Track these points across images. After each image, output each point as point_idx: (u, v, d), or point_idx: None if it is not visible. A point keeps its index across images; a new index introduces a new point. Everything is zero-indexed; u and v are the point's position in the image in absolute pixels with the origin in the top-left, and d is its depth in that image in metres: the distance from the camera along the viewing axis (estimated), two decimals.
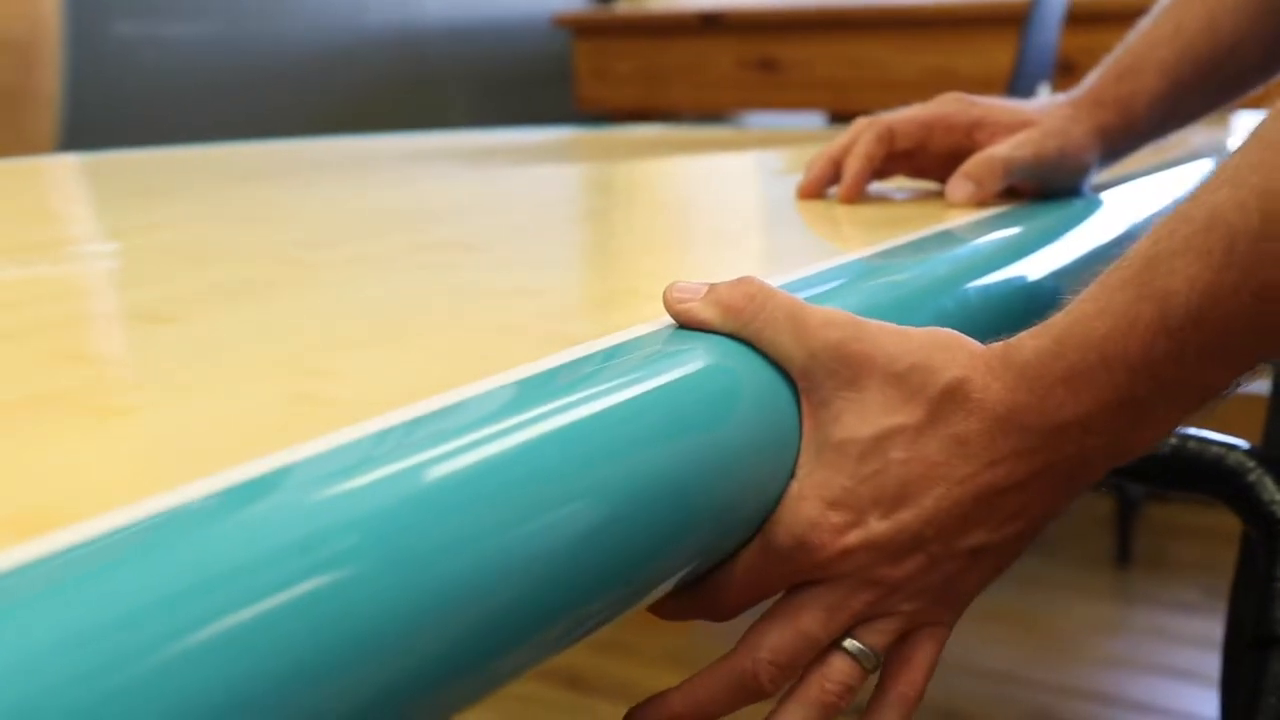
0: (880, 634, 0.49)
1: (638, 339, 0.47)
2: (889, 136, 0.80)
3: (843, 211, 0.79)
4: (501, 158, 1.25)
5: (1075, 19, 1.52)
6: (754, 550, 0.48)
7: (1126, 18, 1.85)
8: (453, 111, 2.13)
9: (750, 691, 0.49)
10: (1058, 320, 0.47)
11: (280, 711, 0.29)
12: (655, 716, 0.50)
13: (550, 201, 0.95)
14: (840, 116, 2.08)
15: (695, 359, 0.46)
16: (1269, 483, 0.70)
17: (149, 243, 0.69)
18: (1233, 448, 0.71)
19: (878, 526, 0.47)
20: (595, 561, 0.39)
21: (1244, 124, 2.63)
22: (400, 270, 0.61)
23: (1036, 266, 0.67)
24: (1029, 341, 0.47)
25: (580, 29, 2.27)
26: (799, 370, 0.47)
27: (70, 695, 0.25)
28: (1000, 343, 0.48)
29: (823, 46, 1.99)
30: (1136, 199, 0.87)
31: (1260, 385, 0.80)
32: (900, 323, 0.49)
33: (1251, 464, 0.71)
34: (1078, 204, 0.80)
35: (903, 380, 0.47)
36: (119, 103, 1.77)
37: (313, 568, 0.30)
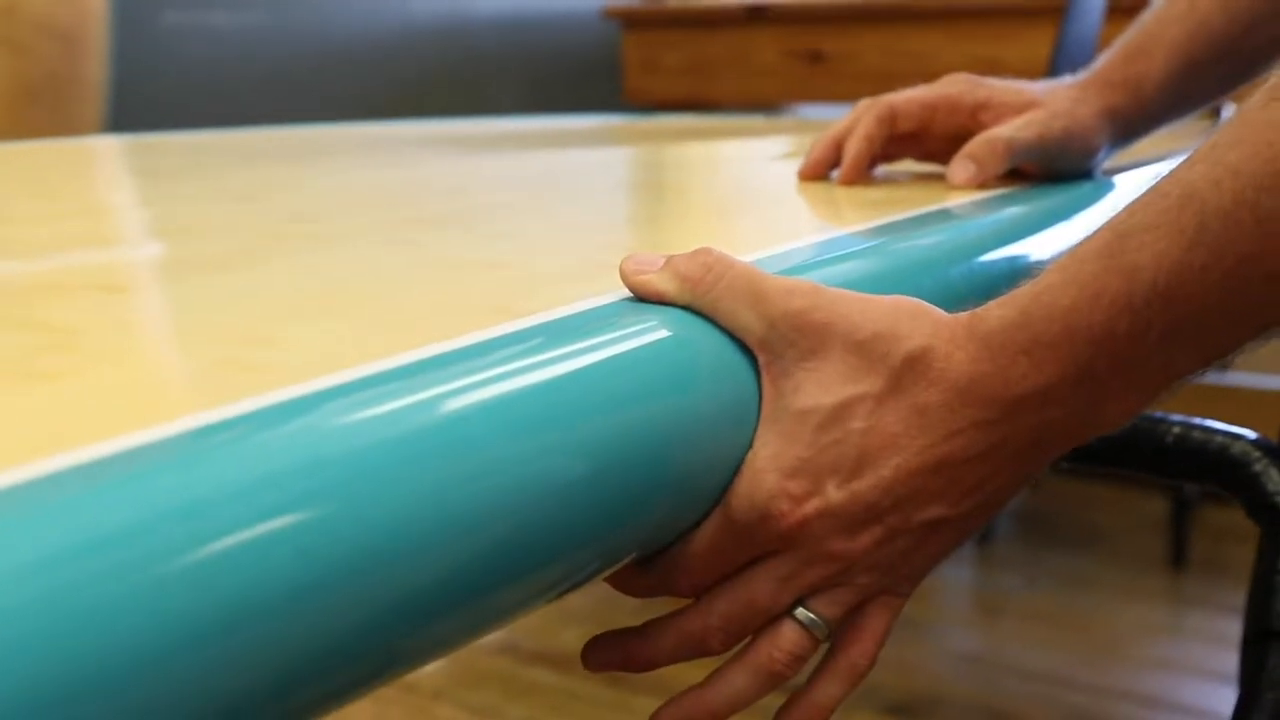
0: (833, 605, 0.48)
1: (592, 310, 0.46)
2: (891, 118, 0.78)
3: (842, 193, 0.77)
4: (524, 142, 1.25)
5: (1116, 9, 1.49)
6: (714, 522, 0.47)
7: None
8: (500, 103, 2.13)
9: (699, 652, 0.49)
10: (1025, 290, 0.46)
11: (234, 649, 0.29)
12: (608, 657, 0.51)
13: (551, 182, 0.94)
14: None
15: (651, 331, 0.45)
16: (1274, 473, 0.68)
17: (131, 218, 0.69)
18: (1238, 437, 0.69)
19: (835, 495, 0.46)
20: (544, 531, 0.39)
21: None
22: (369, 245, 0.60)
23: (1033, 248, 0.66)
24: (995, 310, 0.46)
25: (630, 21, 2.26)
26: (758, 341, 0.46)
27: (25, 621, 0.26)
28: (967, 312, 0.47)
29: (868, 37, 1.97)
30: (1144, 186, 0.85)
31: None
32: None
33: (1257, 454, 0.69)
34: (1085, 187, 0.78)
35: (864, 349, 0.46)
36: (167, 91, 1.79)
37: (258, 515, 0.30)
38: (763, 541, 0.47)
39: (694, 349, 0.46)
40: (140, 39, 1.75)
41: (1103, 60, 0.79)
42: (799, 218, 0.77)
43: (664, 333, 0.45)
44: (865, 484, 0.46)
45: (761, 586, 0.48)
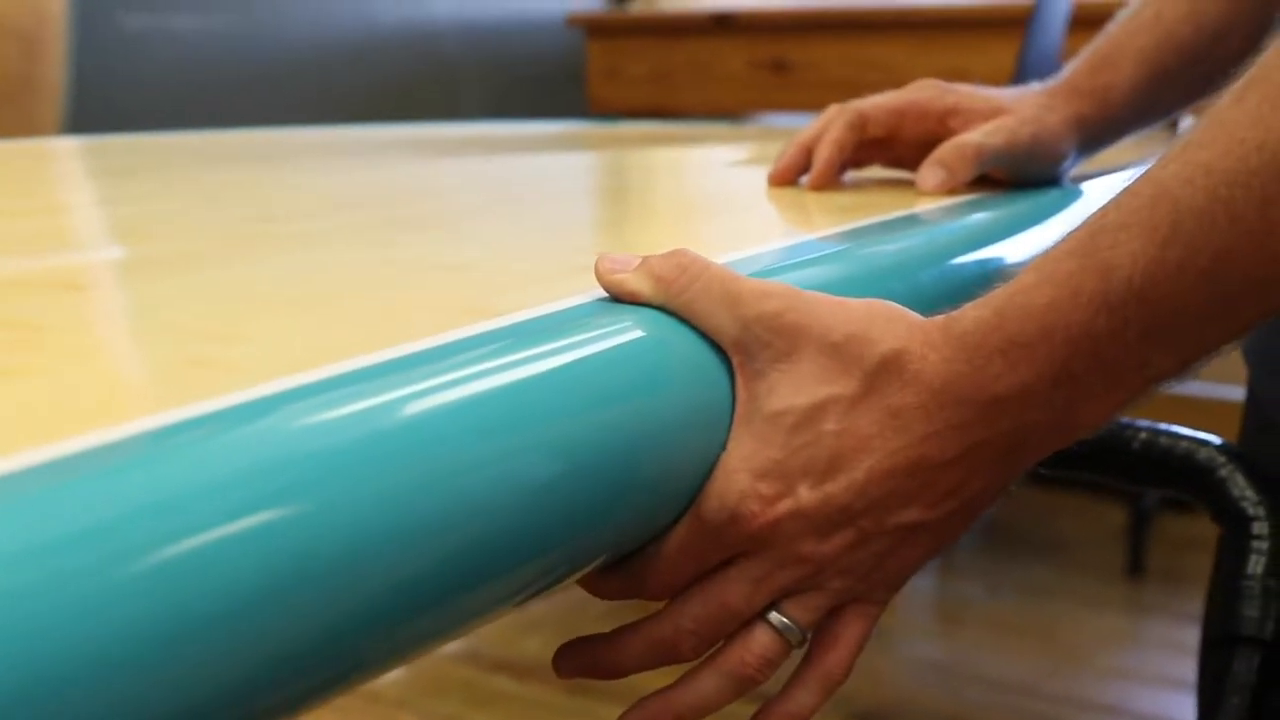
0: (807, 610, 0.48)
1: (562, 311, 0.46)
2: (861, 123, 0.78)
3: (812, 198, 0.77)
4: (491, 146, 1.25)
5: (1079, 20, 1.50)
6: (686, 524, 0.46)
7: None
8: (464, 110, 2.13)
9: (670, 658, 0.49)
10: (1000, 291, 0.46)
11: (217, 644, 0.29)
12: (578, 663, 0.51)
13: (520, 185, 0.94)
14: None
15: (624, 331, 0.45)
16: (1239, 478, 0.68)
17: (93, 216, 0.68)
18: (1204, 443, 0.70)
19: (807, 496, 0.45)
20: (514, 533, 0.38)
21: None
22: (338, 246, 0.60)
23: (1002, 253, 0.66)
24: (970, 312, 0.46)
25: (594, 29, 2.26)
26: (732, 342, 0.46)
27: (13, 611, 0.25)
28: (943, 315, 0.46)
29: (833, 47, 1.98)
30: (1116, 190, 0.86)
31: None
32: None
33: (1222, 459, 0.69)
34: (1053, 193, 0.78)
35: (838, 351, 0.45)
36: (127, 95, 1.78)
37: (222, 516, 0.30)
38: (734, 542, 0.46)
39: (666, 350, 0.46)
40: (101, 42, 1.73)
41: (1070, 68, 0.79)
42: (769, 222, 0.77)
43: (636, 333, 0.45)
44: (837, 486, 0.45)
45: (733, 588, 0.47)
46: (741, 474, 0.45)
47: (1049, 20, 1.40)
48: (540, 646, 2.01)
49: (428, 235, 0.64)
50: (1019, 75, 1.39)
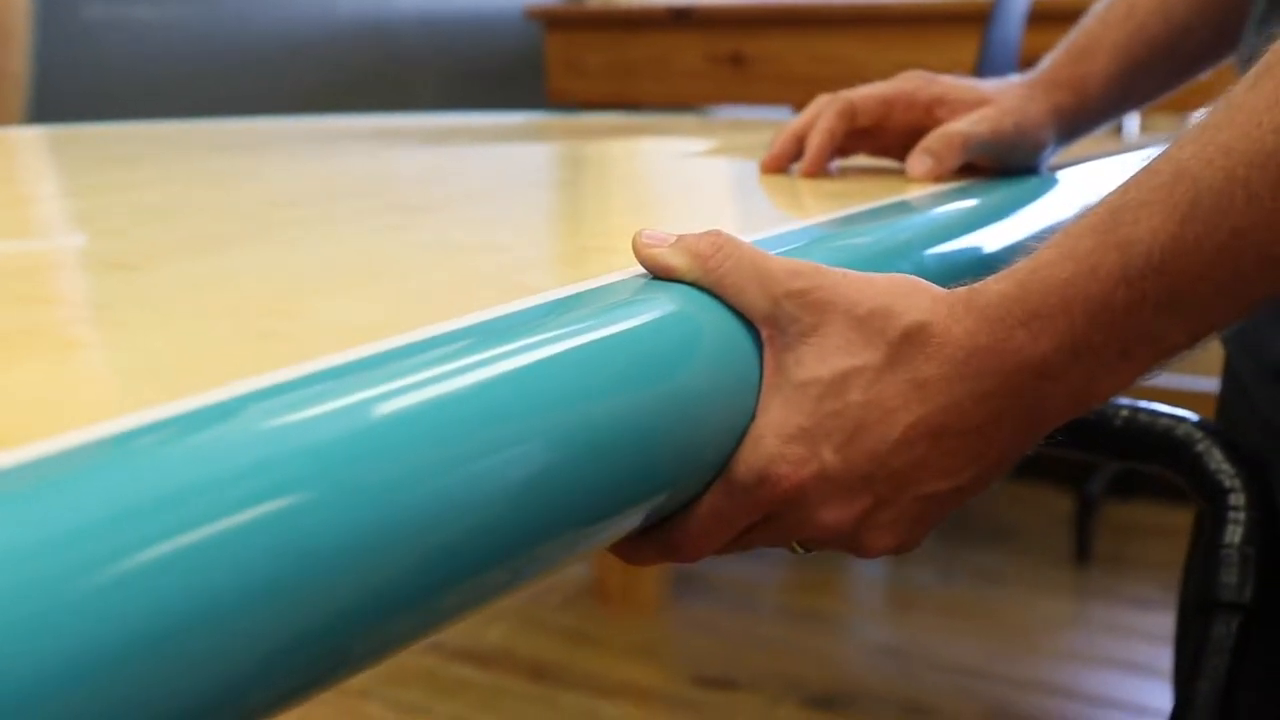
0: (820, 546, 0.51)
1: (600, 288, 0.48)
2: (850, 112, 0.81)
3: (804, 185, 0.80)
4: (465, 135, 1.26)
5: (1036, 17, 1.53)
6: (718, 490, 0.48)
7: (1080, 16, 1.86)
8: (423, 102, 2.14)
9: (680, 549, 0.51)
10: (1022, 265, 0.48)
11: (225, 631, 0.29)
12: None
13: (512, 171, 0.96)
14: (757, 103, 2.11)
15: (657, 307, 0.47)
16: (1216, 453, 0.71)
17: (115, 201, 0.69)
18: (1181, 420, 0.73)
19: (831, 460, 0.47)
20: (547, 501, 0.40)
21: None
22: (364, 229, 0.61)
23: (989, 238, 0.68)
24: (992, 285, 0.48)
25: (552, 21, 2.27)
26: (763, 317, 0.48)
27: (25, 602, 0.25)
28: (965, 287, 0.49)
29: (791, 42, 2.00)
30: (1093, 179, 0.89)
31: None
32: None
33: (1199, 435, 0.72)
34: (1033, 181, 0.81)
35: (863, 324, 0.48)
36: (89, 86, 1.77)
37: (264, 492, 0.30)
38: (763, 504, 0.48)
39: (696, 324, 0.48)
40: (63, 32, 1.73)
41: (1049, 61, 0.82)
42: (764, 208, 0.79)
43: (669, 308, 0.47)
44: (861, 452, 0.47)
45: (758, 539, 0.50)
46: (770, 439, 0.47)
47: (1008, 16, 1.43)
48: (501, 636, 2.02)
49: (435, 218, 0.66)
50: (979, 70, 1.42)
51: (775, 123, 1.83)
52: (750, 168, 0.86)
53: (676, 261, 0.49)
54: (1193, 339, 0.48)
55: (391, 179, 0.85)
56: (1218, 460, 0.71)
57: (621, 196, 0.84)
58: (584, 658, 1.97)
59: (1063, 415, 0.49)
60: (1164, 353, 0.48)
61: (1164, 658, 2.03)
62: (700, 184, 0.92)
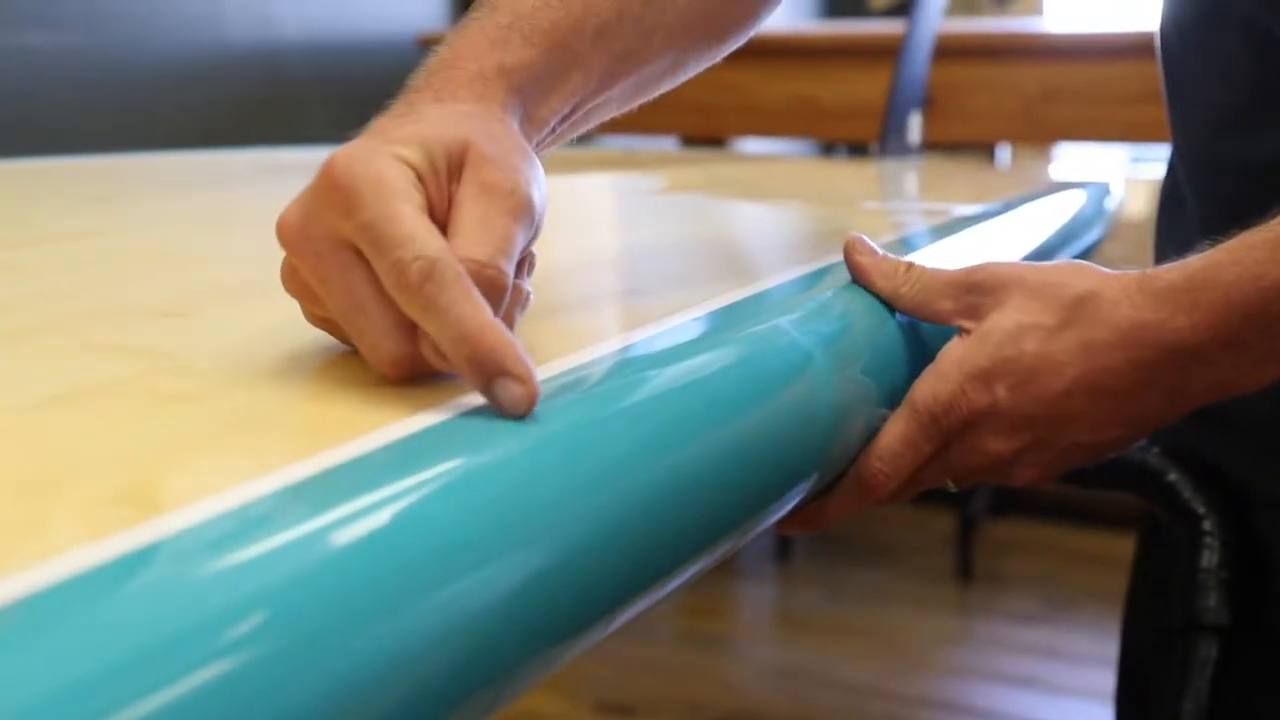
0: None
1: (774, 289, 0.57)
2: None
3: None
4: None
5: (940, 53, 1.58)
6: (903, 420, 0.56)
7: (985, 52, 1.92)
8: (314, 131, 2.11)
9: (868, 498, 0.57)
10: (1192, 261, 0.54)
11: None
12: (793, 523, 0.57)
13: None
14: (695, 140, 2.12)
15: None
16: (1185, 483, 0.75)
17: (113, 243, 0.68)
18: (1149, 449, 0.76)
19: (1004, 397, 0.54)
20: (774, 465, 0.48)
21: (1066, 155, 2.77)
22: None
23: None
24: (1164, 274, 0.54)
25: None
26: (955, 313, 0.56)
27: None
28: (1137, 271, 0.55)
29: None
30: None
31: None
32: None
33: (1168, 465, 0.76)
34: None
35: (1038, 293, 0.55)
36: None
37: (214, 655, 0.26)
38: (945, 429, 0.55)
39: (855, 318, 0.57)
40: None
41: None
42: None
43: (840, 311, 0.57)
44: (1029, 395, 0.54)
45: (928, 475, 0.57)
46: (954, 373, 0.55)
47: (916, 51, 1.48)
48: None
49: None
50: (892, 104, 1.46)
51: (667, 155, 1.85)
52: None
53: (876, 280, 0.58)
54: None
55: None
56: (1188, 489, 0.75)
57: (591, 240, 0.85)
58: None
59: (1204, 398, 0.55)
60: None
61: (1045, 670, 2.11)
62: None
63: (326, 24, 2.16)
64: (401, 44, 2.29)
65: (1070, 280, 0.55)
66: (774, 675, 2.16)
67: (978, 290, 0.56)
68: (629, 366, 0.45)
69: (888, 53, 1.51)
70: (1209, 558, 0.73)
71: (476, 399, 0.39)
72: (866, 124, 1.60)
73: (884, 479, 0.56)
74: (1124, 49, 1.89)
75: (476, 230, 0.41)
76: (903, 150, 1.47)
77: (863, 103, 1.78)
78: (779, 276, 0.61)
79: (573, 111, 0.55)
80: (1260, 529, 0.74)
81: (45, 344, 0.46)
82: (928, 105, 1.57)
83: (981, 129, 1.95)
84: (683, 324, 0.50)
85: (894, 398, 0.57)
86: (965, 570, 2.42)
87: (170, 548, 0.28)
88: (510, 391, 0.38)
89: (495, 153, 0.43)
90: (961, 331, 0.56)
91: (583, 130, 0.58)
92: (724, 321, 0.51)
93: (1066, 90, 1.87)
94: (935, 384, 0.55)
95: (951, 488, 0.59)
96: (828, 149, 2.44)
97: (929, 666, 2.16)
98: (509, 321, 0.43)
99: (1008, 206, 0.90)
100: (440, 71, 0.49)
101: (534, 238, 0.44)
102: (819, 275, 0.61)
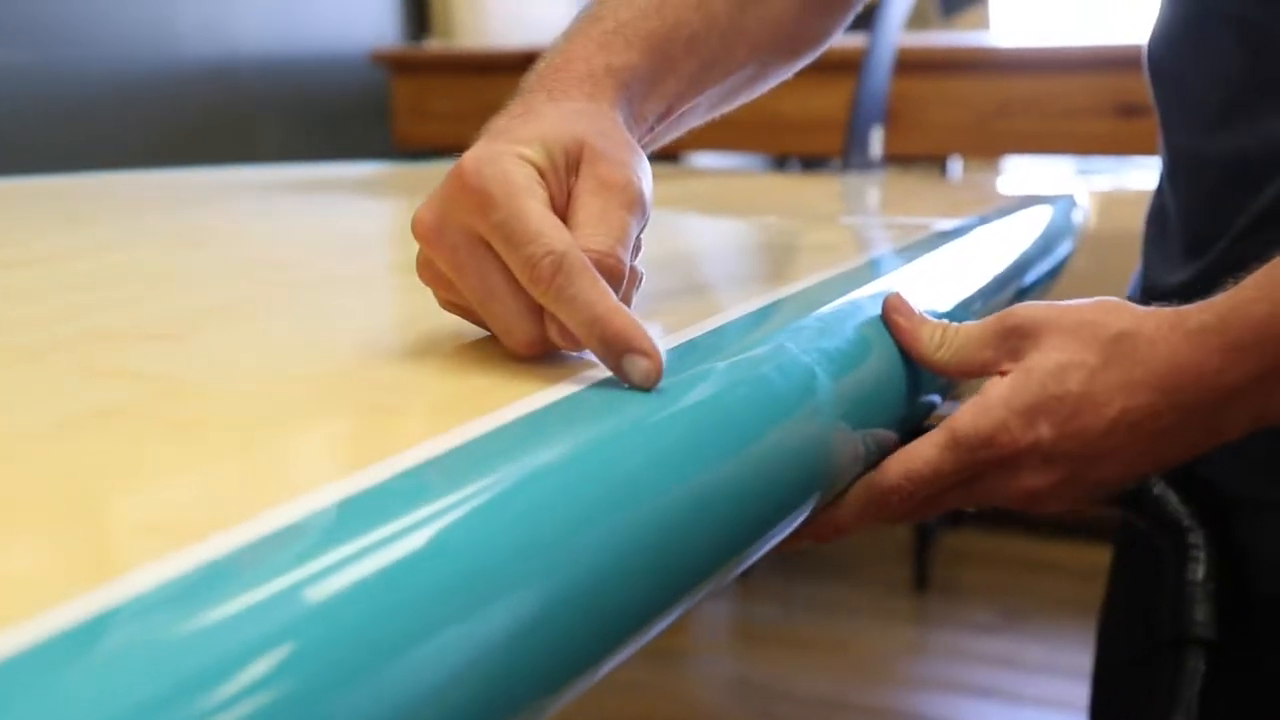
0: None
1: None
2: None
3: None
4: (376, 188, 1.24)
5: (902, 66, 1.59)
6: (939, 446, 0.55)
7: (941, 66, 1.93)
8: (268, 148, 2.09)
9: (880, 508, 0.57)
10: (1221, 300, 0.54)
11: None
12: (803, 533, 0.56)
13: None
14: (650, 155, 2.10)
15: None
16: (1172, 496, 0.75)
17: (99, 264, 0.67)
18: None
19: (1047, 434, 0.54)
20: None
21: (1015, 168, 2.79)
22: (389, 290, 0.61)
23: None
24: (1195, 314, 0.54)
25: (399, 66, 2.25)
26: (994, 361, 0.56)
27: None
28: (1170, 309, 0.55)
29: None
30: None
31: None
32: None
33: (1154, 478, 0.76)
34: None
35: (1076, 332, 0.55)
36: None
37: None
38: (980, 463, 0.55)
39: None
40: None
41: None
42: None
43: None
44: (1071, 434, 0.54)
45: (950, 499, 0.57)
46: (999, 408, 0.54)
47: (877, 66, 1.48)
48: None
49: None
50: (855, 117, 1.47)
51: None
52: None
53: (915, 345, 0.58)
54: None
55: (368, 238, 0.83)
56: (1174, 503, 0.75)
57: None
58: None
59: (1240, 431, 0.56)
60: None
61: (1003, 680, 2.12)
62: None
63: (281, 40, 2.15)
64: (356, 60, 2.28)
65: (1106, 319, 0.55)
66: (733, 689, 2.15)
67: (1015, 334, 0.56)
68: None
69: (848, 66, 1.51)
70: (1195, 570, 0.73)
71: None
72: (827, 137, 1.60)
73: (905, 496, 0.56)
74: (1075, 63, 1.92)
75: (597, 223, 0.46)
76: (865, 164, 1.47)
77: (823, 116, 1.79)
78: (785, 289, 0.60)
79: (667, 113, 0.59)
80: (1243, 534, 0.74)
81: (43, 368, 0.45)
82: (886, 119, 1.57)
83: (937, 142, 1.96)
84: (699, 336, 0.51)
85: (893, 414, 0.57)
86: (922, 581, 2.43)
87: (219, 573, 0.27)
88: (639, 366, 0.43)
89: (608, 149, 0.48)
90: (1001, 372, 0.56)
91: (674, 135, 0.63)
92: (747, 329, 0.52)
93: (1018, 104, 1.89)
94: (978, 417, 0.55)
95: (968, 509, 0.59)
96: (780, 163, 2.45)
97: (887, 678, 2.16)
98: (627, 302, 0.47)
99: (984, 220, 0.91)
100: (552, 73, 0.54)
101: (644, 226, 0.49)
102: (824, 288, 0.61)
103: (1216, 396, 0.54)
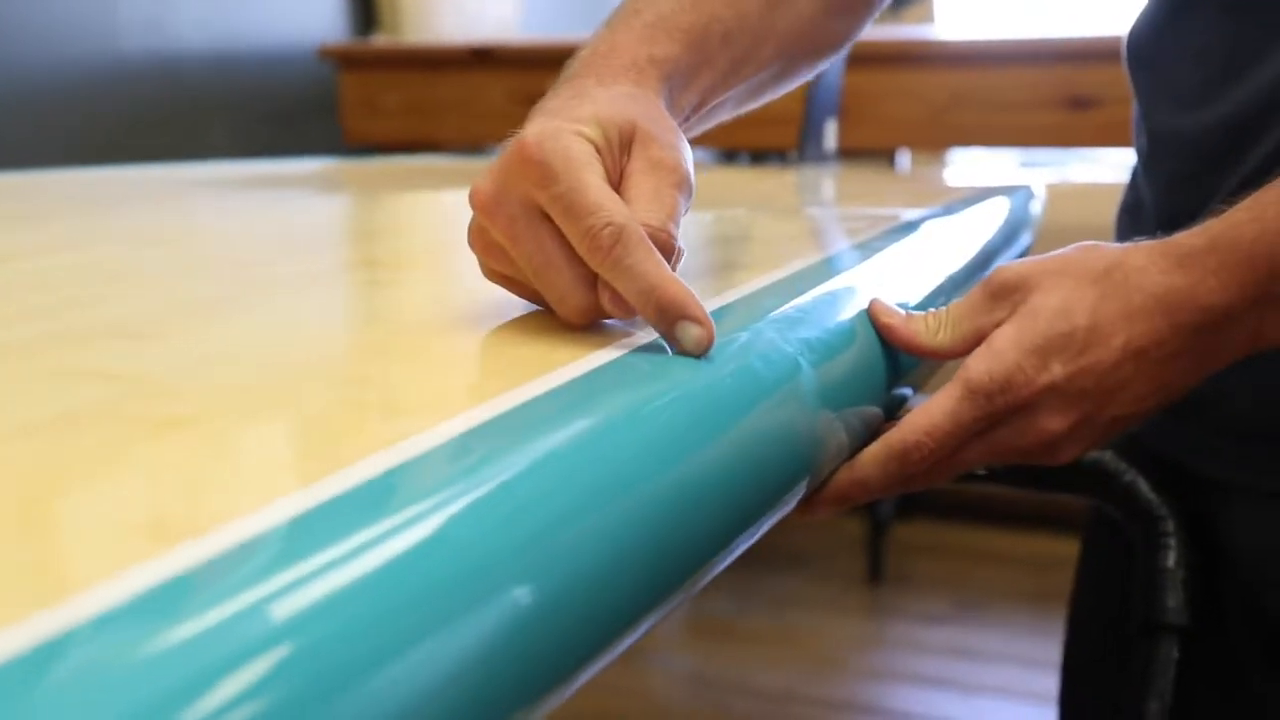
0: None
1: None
2: None
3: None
4: (343, 186, 1.23)
5: (853, 59, 1.59)
6: (954, 397, 0.55)
7: (893, 59, 1.94)
8: (213, 142, 2.06)
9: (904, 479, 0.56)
10: (1212, 224, 0.55)
11: None
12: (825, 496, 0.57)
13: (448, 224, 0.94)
14: None
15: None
16: (1143, 483, 0.76)
17: (44, 264, 0.65)
18: (1104, 450, 0.76)
19: (1060, 372, 0.54)
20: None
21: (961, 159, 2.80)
22: (356, 286, 0.60)
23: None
24: (1184, 240, 0.55)
25: (347, 61, 2.23)
26: (993, 325, 0.56)
27: None
28: (1153, 240, 0.56)
29: None
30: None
31: None
32: None
33: (1125, 466, 0.76)
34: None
35: (1065, 272, 0.55)
36: None
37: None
38: (999, 409, 0.55)
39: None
40: None
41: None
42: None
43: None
44: (1083, 369, 0.54)
45: (972, 454, 0.57)
46: (1010, 351, 0.54)
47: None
48: None
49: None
50: (809, 111, 1.46)
51: None
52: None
53: (911, 341, 0.58)
54: None
55: (329, 232, 0.82)
56: (1145, 490, 0.75)
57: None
58: None
59: (1235, 355, 0.56)
60: None
61: (955, 670, 2.13)
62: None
63: (226, 35, 2.12)
64: (303, 55, 2.25)
65: (1090, 256, 0.55)
66: (689, 684, 2.15)
67: (1006, 290, 0.56)
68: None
69: None
70: (1167, 557, 0.73)
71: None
72: (780, 131, 1.60)
73: (927, 453, 0.55)
74: (1025, 56, 1.93)
75: (650, 200, 0.48)
76: (820, 157, 1.47)
77: (774, 110, 1.78)
78: (761, 280, 0.60)
79: (700, 105, 0.61)
80: (1215, 522, 0.74)
81: (13, 369, 0.43)
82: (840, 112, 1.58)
83: (889, 135, 1.97)
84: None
85: (876, 394, 0.57)
86: (875, 573, 2.44)
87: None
88: (691, 332, 0.45)
89: (658, 132, 0.51)
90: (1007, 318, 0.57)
91: (703, 129, 0.65)
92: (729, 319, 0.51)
93: (969, 97, 1.90)
94: (990, 362, 0.55)
95: (981, 471, 0.59)
96: (729, 156, 2.45)
97: (843, 669, 2.17)
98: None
99: (949, 210, 0.91)
100: (599, 60, 0.56)
101: (689, 206, 0.51)
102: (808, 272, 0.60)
103: (1213, 318, 0.54)
